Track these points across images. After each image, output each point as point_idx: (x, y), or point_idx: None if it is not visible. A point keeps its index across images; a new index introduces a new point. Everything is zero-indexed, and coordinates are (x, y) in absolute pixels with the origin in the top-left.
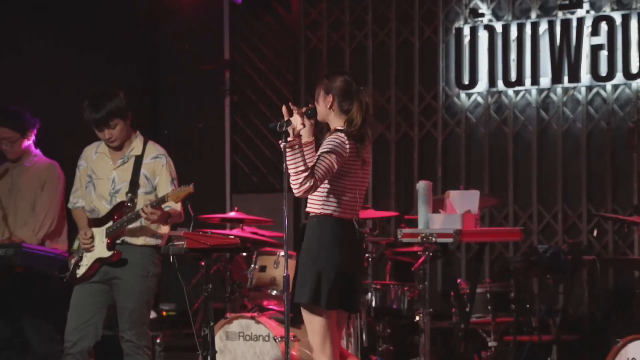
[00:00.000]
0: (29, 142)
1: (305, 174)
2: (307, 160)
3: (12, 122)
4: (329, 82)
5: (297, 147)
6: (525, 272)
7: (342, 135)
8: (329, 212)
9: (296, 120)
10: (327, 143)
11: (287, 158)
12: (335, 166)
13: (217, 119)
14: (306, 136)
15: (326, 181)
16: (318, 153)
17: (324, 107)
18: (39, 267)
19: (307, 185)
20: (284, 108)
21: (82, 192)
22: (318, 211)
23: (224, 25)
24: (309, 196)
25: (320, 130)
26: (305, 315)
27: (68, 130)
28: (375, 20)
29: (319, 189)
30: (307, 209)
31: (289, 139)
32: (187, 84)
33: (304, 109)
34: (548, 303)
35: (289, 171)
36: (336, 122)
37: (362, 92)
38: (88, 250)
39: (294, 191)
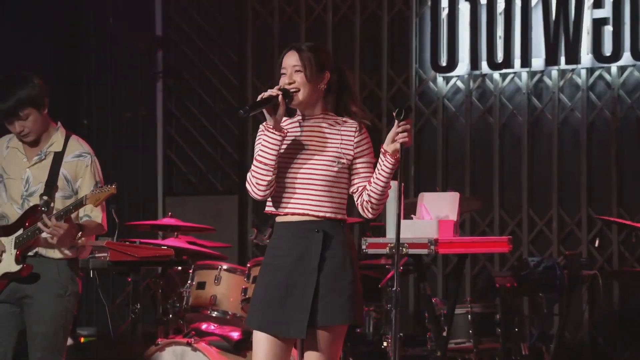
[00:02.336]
0: None
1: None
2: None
3: None
4: (322, 55)
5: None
6: (513, 290)
7: None
8: (343, 216)
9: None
10: (369, 144)
11: (388, 175)
12: None
13: (148, 107)
14: (279, 127)
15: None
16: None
17: (314, 86)
18: None
19: None
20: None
21: None
22: (341, 216)
23: None
24: (318, 197)
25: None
26: (338, 338)
27: None
28: None
29: (342, 190)
30: (322, 212)
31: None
32: (111, 66)
33: (276, 90)
34: (541, 326)
35: (382, 190)
36: (321, 106)
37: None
38: None
39: (371, 215)
